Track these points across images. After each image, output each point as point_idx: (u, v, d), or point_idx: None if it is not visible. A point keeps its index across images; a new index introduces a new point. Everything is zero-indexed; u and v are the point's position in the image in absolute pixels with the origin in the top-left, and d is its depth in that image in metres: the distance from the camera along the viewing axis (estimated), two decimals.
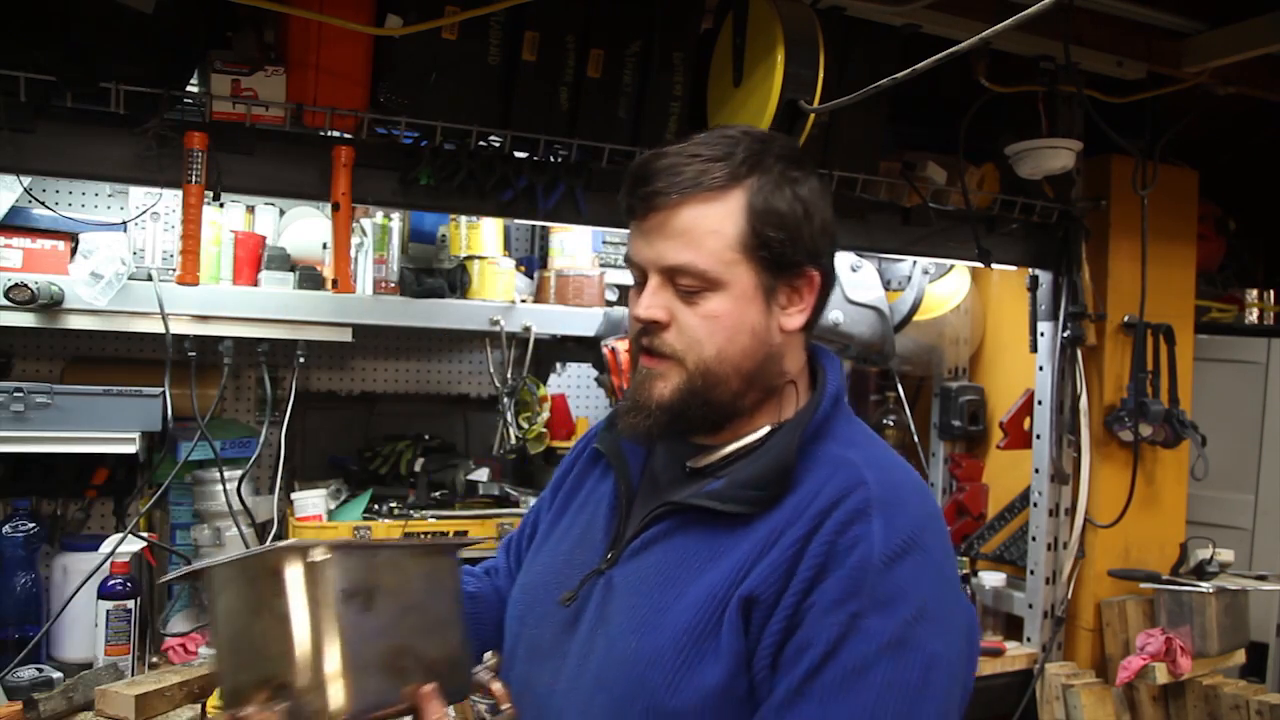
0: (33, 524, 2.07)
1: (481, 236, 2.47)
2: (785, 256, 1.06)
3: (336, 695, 0.92)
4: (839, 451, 1.07)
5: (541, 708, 1.11)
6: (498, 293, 2.39)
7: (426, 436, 2.56)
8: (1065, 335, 2.56)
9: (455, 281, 2.35)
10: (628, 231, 1.13)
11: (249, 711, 0.93)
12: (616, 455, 1.20)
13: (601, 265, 2.67)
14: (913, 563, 0.98)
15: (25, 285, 1.88)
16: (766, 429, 1.10)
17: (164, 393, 1.99)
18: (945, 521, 1.08)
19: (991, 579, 2.71)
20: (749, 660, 0.99)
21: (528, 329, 2.38)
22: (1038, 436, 2.63)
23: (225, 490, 2.09)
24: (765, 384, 1.10)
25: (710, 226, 1.04)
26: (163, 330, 1.96)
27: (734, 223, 1.04)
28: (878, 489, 1.01)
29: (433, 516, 2.30)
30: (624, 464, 1.20)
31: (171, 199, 2.08)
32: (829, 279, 1.12)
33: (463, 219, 2.46)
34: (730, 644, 0.99)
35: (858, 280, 2.59)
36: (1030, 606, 2.62)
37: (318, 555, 0.95)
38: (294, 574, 0.94)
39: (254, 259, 2.18)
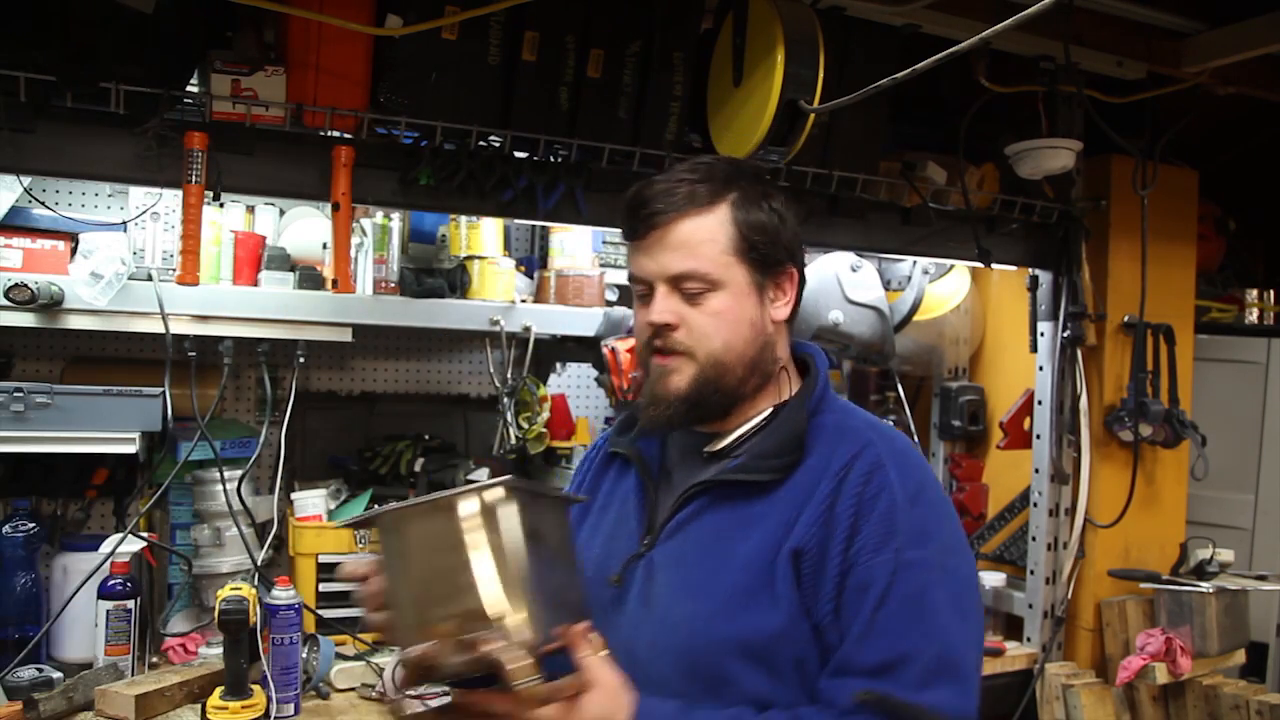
0: (33, 524, 2.06)
1: (481, 236, 2.47)
2: (770, 256, 1.22)
3: (524, 627, 1.01)
4: (839, 420, 1.23)
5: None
6: (498, 293, 2.39)
7: (426, 436, 2.55)
8: (1065, 335, 2.55)
9: (455, 281, 2.35)
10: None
11: (482, 635, 0.99)
12: (635, 453, 1.32)
13: (601, 265, 2.67)
14: (927, 503, 1.15)
15: (25, 285, 1.88)
16: (769, 410, 1.25)
17: (164, 393, 1.99)
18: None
19: (991, 579, 2.71)
20: (807, 607, 1.12)
21: (528, 329, 2.38)
22: (1038, 436, 2.63)
23: (225, 490, 2.09)
24: (764, 370, 1.24)
25: (705, 236, 1.19)
26: (163, 330, 1.96)
27: (725, 230, 1.20)
28: (883, 444, 1.18)
29: None
30: (643, 462, 1.31)
31: (171, 199, 2.08)
32: (803, 275, 1.29)
33: (463, 219, 2.45)
34: (785, 593, 1.12)
35: (858, 280, 2.58)
36: (1030, 606, 2.62)
37: (505, 497, 1.03)
38: (487, 514, 1.02)
39: (254, 259, 2.18)
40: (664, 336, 1.20)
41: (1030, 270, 2.61)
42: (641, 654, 1.17)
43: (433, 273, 2.35)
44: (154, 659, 2.03)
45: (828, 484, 1.15)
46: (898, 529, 1.11)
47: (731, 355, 1.20)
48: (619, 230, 2.77)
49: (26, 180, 2.06)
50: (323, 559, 2.19)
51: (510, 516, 1.03)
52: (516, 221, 2.70)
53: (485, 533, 1.02)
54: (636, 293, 1.25)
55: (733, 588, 1.14)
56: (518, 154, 1.97)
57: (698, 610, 1.15)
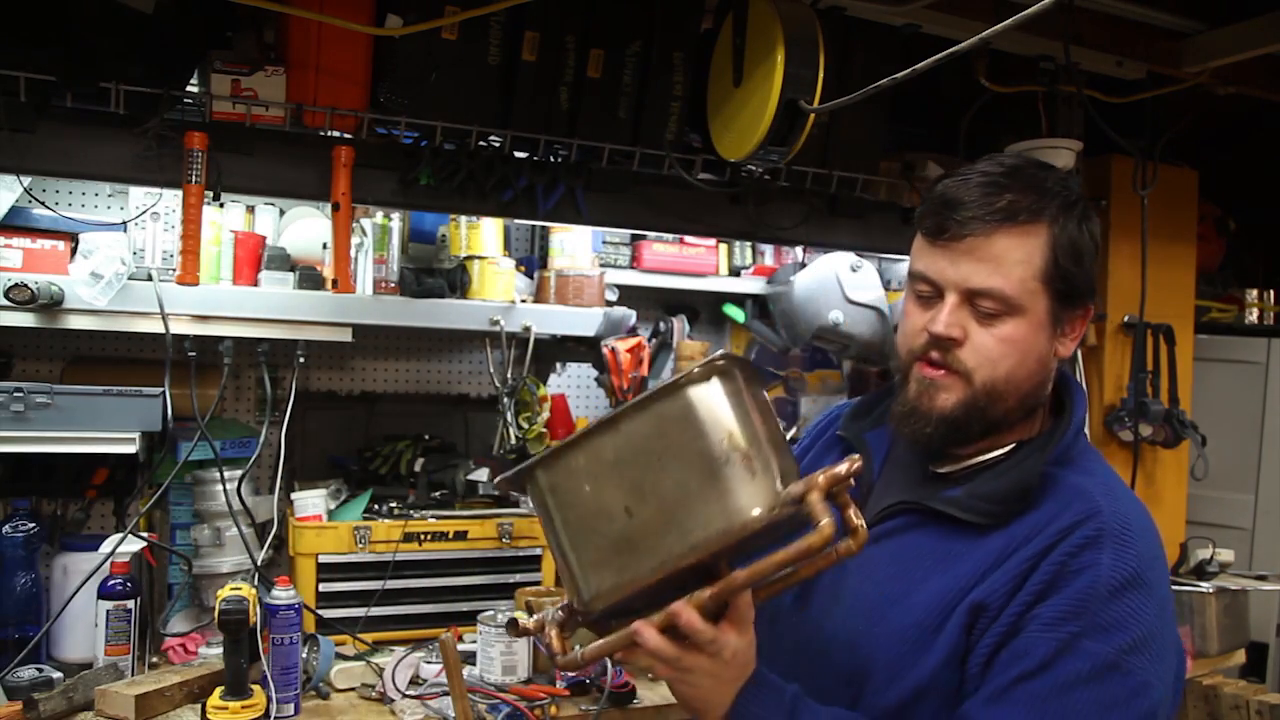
0: (33, 524, 2.06)
1: (481, 236, 2.47)
2: (1075, 289, 1.13)
3: None
4: (1077, 479, 1.12)
5: (771, 662, 1.13)
6: (498, 293, 2.39)
7: (426, 436, 2.55)
8: None
9: (455, 281, 2.35)
10: (913, 249, 1.18)
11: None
12: (861, 445, 1.27)
13: (601, 265, 2.66)
14: (1137, 596, 1.03)
15: (25, 285, 1.88)
16: (1013, 444, 1.17)
17: (164, 393, 1.98)
18: (1167, 559, 1.16)
19: None
20: (963, 658, 1.07)
21: (528, 329, 2.38)
22: None
23: (225, 490, 2.09)
24: (1030, 406, 1.16)
25: (1020, 256, 1.10)
26: (163, 330, 1.96)
27: (1040, 255, 1.10)
28: (1111, 520, 1.07)
29: (433, 516, 2.30)
30: (868, 454, 1.25)
31: (171, 199, 2.08)
32: (1094, 311, 1.20)
33: (463, 219, 2.45)
34: (949, 641, 1.07)
35: (858, 280, 2.59)
36: None
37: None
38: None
39: (254, 259, 2.18)
40: (944, 350, 1.12)
41: None
42: (810, 653, 1.16)
43: (433, 273, 2.35)
44: (154, 659, 2.03)
45: (1037, 545, 1.06)
46: (1085, 613, 1.02)
47: (1010, 387, 1.11)
48: (619, 230, 2.77)
49: (26, 180, 2.06)
50: (323, 559, 2.19)
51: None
52: (516, 221, 2.70)
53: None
54: (916, 291, 1.16)
55: (908, 624, 1.10)
56: (518, 154, 1.97)
57: (867, 636, 1.11)
